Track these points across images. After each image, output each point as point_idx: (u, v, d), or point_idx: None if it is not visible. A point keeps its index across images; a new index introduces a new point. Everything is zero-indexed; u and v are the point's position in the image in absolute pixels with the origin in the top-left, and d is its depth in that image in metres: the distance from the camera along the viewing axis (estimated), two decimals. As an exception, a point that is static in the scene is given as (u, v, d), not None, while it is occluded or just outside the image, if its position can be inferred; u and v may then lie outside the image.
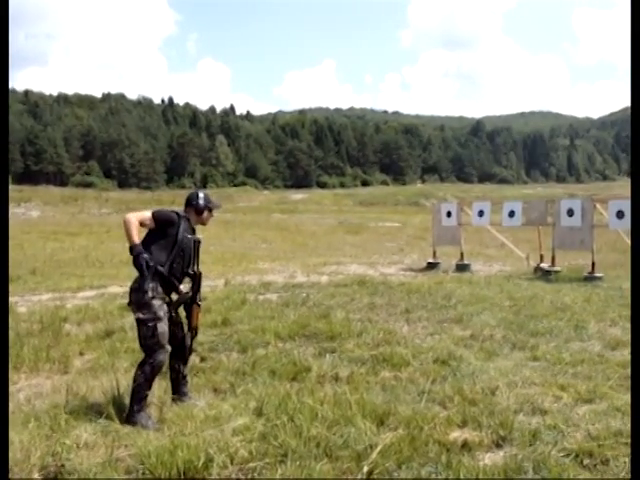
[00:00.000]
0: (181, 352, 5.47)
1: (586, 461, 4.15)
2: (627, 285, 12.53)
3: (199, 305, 5.53)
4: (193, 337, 5.57)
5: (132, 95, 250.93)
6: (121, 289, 12.95)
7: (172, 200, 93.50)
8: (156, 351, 5.09)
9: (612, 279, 13.77)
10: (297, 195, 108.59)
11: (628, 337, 7.85)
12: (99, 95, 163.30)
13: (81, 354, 7.42)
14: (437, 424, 4.70)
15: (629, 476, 3.89)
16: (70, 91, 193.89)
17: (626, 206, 13.74)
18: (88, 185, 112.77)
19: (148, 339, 5.07)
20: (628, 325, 8.65)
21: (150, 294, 5.07)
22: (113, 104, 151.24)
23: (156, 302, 5.11)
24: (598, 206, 14.85)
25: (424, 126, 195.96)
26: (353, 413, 4.84)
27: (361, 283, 12.68)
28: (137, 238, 5.12)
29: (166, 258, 5.19)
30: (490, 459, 4.24)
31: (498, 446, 4.45)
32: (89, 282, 14.29)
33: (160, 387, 5.87)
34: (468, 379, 6.00)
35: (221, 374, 6.38)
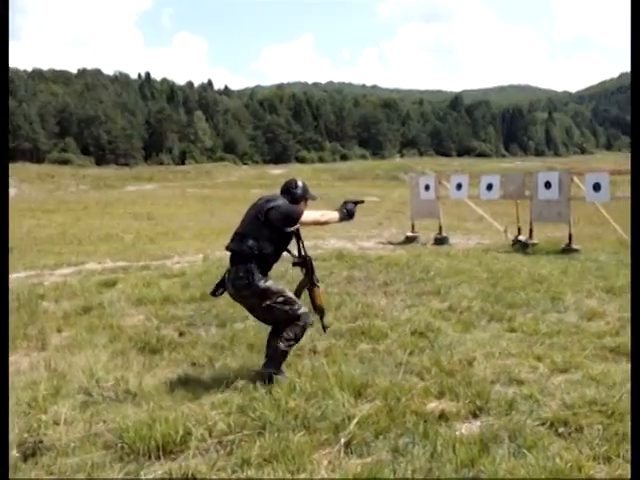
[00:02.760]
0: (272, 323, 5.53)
1: (561, 429, 4.21)
2: (604, 257, 12.68)
3: (318, 286, 5.66)
4: (322, 316, 5.71)
5: (108, 70, 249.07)
6: (99, 265, 12.92)
7: (150, 177, 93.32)
8: (300, 314, 5.30)
9: (589, 251, 13.88)
10: (276, 170, 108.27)
11: (604, 308, 7.99)
12: (74, 71, 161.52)
13: (59, 331, 7.36)
14: (414, 395, 4.75)
15: (605, 445, 3.95)
16: (45, 67, 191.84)
17: (603, 179, 13.84)
18: (65, 162, 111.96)
19: (288, 312, 5.27)
20: (604, 296, 8.78)
21: (261, 281, 5.21)
22: (89, 80, 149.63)
23: (268, 282, 5.27)
24: (575, 179, 14.90)
25: (403, 100, 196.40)
26: (331, 385, 4.88)
27: (340, 257, 12.69)
28: (324, 212, 5.48)
29: (272, 246, 5.29)
30: (467, 429, 4.30)
31: (475, 416, 4.51)
32: (66, 259, 14.18)
33: (138, 362, 5.88)
34: (445, 350, 6.05)
35: (200, 348, 6.38)
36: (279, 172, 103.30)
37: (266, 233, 5.24)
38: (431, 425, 4.25)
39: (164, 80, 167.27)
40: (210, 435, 4.13)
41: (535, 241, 14.98)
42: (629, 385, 4.91)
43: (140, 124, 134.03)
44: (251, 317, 7.44)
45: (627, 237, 15.74)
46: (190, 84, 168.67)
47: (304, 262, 5.60)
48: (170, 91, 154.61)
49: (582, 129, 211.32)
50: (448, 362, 5.61)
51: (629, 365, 5.71)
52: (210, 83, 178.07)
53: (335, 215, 5.49)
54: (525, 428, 4.16)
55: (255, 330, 6.87)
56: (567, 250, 13.88)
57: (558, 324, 7.20)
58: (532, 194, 15.08)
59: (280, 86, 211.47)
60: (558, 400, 4.71)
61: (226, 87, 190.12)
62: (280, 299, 5.25)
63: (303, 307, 5.39)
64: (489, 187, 15.74)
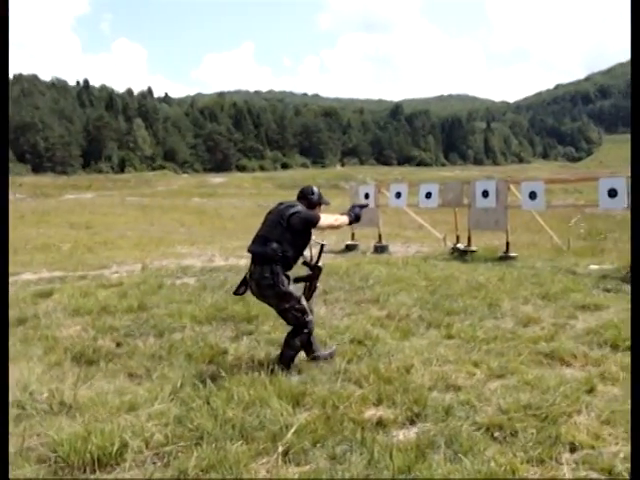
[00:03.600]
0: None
1: (496, 434, 4.29)
2: (540, 264, 12.91)
3: (316, 288, 6.37)
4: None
5: (45, 76, 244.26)
6: (35, 276, 12.66)
7: (89, 185, 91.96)
8: (308, 322, 5.86)
9: (526, 258, 14.11)
10: (216, 179, 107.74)
11: (539, 314, 8.14)
12: (10, 76, 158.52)
13: (-8, 343, 7.21)
14: (352, 403, 4.77)
15: (539, 448, 4.03)
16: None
17: (538, 187, 14.08)
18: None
19: (299, 318, 5.82)
20: (539, 302, 8.95)
21: (285, 285, 5.73)
22: (25, 85, 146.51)
23: (291, 287, 5.82)
24: (512, 187, 15.16)
25: (343, 109, 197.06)
26: (269, 394, 4.89)
27: (280, 266, 12.68)
28: (337, 217, 6.13)
29: (293, 249, 5.81)
30: (404, 435, 4.34)
31: (412, 422, 4.56)
32: (1, 269, 13.86)
33: (74, 374, 5.78)
34: (384, 358, 6.08)
35: (137, 359, 6.30)
36: (220, 181, 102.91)
37: (288, 237, 5.76)
38: (369, 432, 4.28)
39: (103, 87, 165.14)
40: (147, 447, 4.09)
41: (473, 249, 15.18)
42: (562, 389, 5.03)
43: (78, 131, 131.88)
44: (189, 327, 7.47)
45: (562, 244, 16.09)
46: (130, 91, 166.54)
47: (314, 268, 6.27)
48: (109, 98, 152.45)
49: (520, 138, 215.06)
50: (386, 369, 5.64)
51: (563, 369, 5.86)
52: (150, 91, 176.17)
53: (346, 219, 6.13)
54: (461, 433, 4.21)
55: (193, 340, 6.84)
56: (504, 257, 14.09)
57: (495, 330, 7.30)
58: (470, 202, 15.28)
59: (221, 94, 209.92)
60: (494, 405, 4.78)
61: (166, 95, 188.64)
62: (297, 306, 5.80)
63: (311, 315, 5.94)
64: (428, 195, 15.90)
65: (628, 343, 6.50)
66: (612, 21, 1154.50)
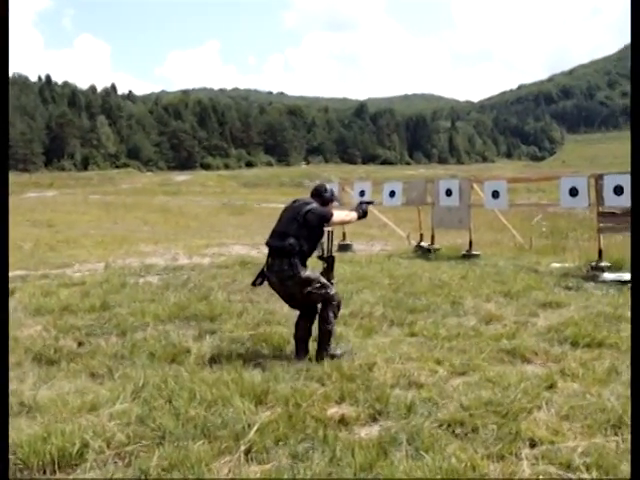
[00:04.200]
0: (311, 313, 6.38)
1: (458, 430, 4.32)
2: (502, 262, 13.03)
3: (332, 283, 6.49)
4: None
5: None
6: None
7: (51, 183, 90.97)
8: (333, 294, 6.27)
9: (488, 257, 14.24)
10: (181, 177, 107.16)
11: (501, 311, 8.23)
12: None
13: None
14: (315, 401, 4.78)
15: (499, 444, 4.07)
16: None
17: (501, 186, 14.21)
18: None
19: (325, 295, 6.21)
20: (502, 300, 9.05)
21: (303, 272, 6.10)
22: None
23: (307, 272, 6.17)
24: (475, 186, 15.28)
25: (308, 107, 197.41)
26: (231, 393, 4.87)
27: (243, 264, 12.65)
28: (347, 212, 6.76)
29: (308, 243, 6.17)
30: (366, 433, 4.35)
31: (374, 420, 4.57)
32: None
33: (34, 374, 5.72)
34: (347, 356, 6.10)
35: (99, 358, 6.22)
36: (184, 179, 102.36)
37: (305, 232, 6.11)
38: (331, 430, 4.28)
39: (65, 84, 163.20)
40: (108, 447, 4.05)
41: (437, 247, 15.29)
42: (523, 385, 5.08)
43: (40, 128, 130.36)
44: (151, 326, 7.41)
45: (524, 242, 16.25)
46: (93, 88, 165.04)
47: (328, 259, 6.53)
48: (72, 95, 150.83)
49: (484, 138, 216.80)
50: (349, 367, 5.66)
51: (524, 366, 5.93)
52: (114, 88, 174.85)
53: (354, 214, 6.65)
54: (423, 430, 4.23)
55: (155, 339, 6.79)
56: (467, 256, 14.20)
57: (457, 328, 7.36)
58: (434, 201, 15.37)
59: (185, 92, 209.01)
60: (456, 402, 4.81)
61: (130, 92, 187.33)
62: (317, 285, 6.15)
63: (334, 288, 6.39)
64: (392, 194, 15.96)
65: (588, 340, 6.63)
66: (574, 24, 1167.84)
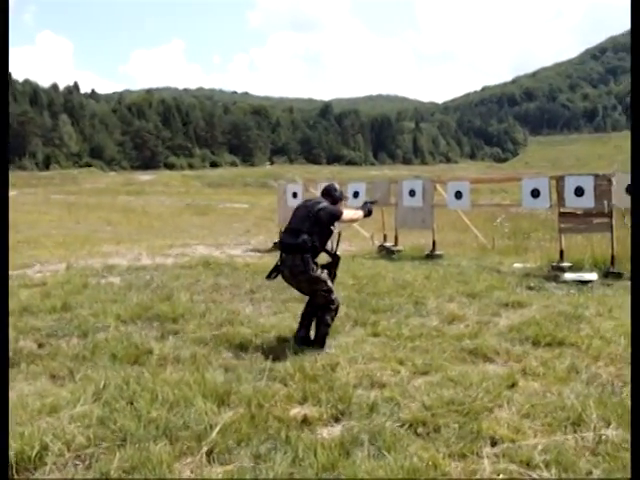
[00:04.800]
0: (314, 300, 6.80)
1: (420, 430, 4.34)
2: (465, 262, 13.12)
3: (334, 277, 6.99)
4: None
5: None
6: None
7: (12, 183, 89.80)
8: (334, 298, 6.71)
9: (451, 257, 14.32)
10: (144, 176, 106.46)
11: (464, 311, 8.28)
12: None
13: None
14: (277, 401, 4.79)
15: (461, 443, 4.09)
16: None
17: (464, 187, 14.30)
18: None
19: (327, 297, 6.64)
20: (464, 300, 9.10)
21: (314, 271, 6.53)
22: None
23: (318, 272, 6.60)
24: (438, 187, 15.37)
25: (273, 107, 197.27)
26: (193, 394, 4.85)
27: (206, 264, 12.59)
28: (355, 211, 7.22)
29: (320, 240, 6.58)
30: (328, 433, 4.35)
31: (337, 420, 4.58)
32: None
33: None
34: (310, 356, 6.10)
35: (59, 360, 6.15)
36: (147, 178, 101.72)
37: (317, 230, 6.52)
38: (293, 430, 4.29)
39: (26, 81, 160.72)
40: (68, 449, 4.01)
41: (400, 247, 15.35)
42: (485, 384, 5.12)
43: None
44: (113, 327, 7.36)
45: (487, 243, 16.37)
46: (55, 86, 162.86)
47: (334, 257, 6.90)
48: (33, 93, 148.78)
49: (447, 139, 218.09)
50: (311, 368, 5.66)
51: (486, 365, 5.97)
52: (76, 86, 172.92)
53: (361, 213, 7.12)
54: (385, 430, 4.24)
55: (117, 340, 6.73)
56: (431, 256, 14.28)
57: (420, 328, 7.39)
58: (397, 201, 15.42)
59: (149, 91, 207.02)
60: (418, 402, 4.83)
61: (93, 91, 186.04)
62: (325, 287, 6.61)
63: (335, 293, 6.80)
64: (356, 195, 15.95)
65: (548, 339, 6.70)
66: (537, 26, 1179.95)
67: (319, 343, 6.57)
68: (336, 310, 6.81)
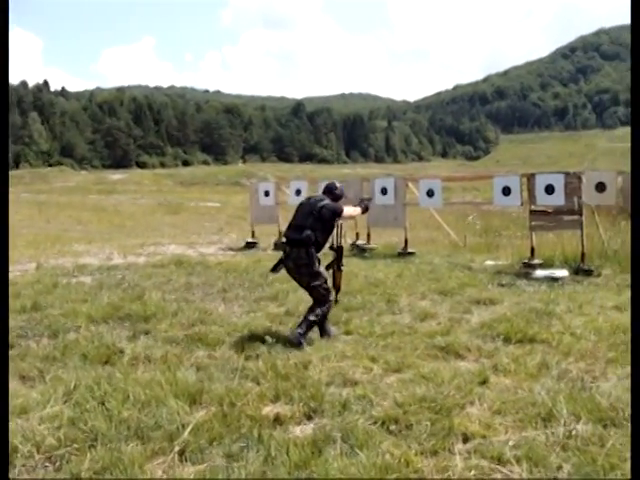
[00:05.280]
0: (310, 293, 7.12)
1: (392, 427, 4.34)
2: (437, 260, 13.17)
3: (342, 270, 7.50)
4: (337, 292, 7.45)
5: None
6: None
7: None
8: (330, 300, 7.02)
9: (424, 255, 14.35)
10: (116, 175, 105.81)
11: (436, 309, 8.32)
12: None
13: None
14: (250, 400, 4.77)
15: (433, 439, 4.11)
16: None
17: (435, 185, 14.35)
18: None
19: (325, 295, 6.95)
20: (436, 297, 9.15)
21: (317, 266, 6.94)
22: None
23: (320, 268, 7.01)
24: (410, 185, 15.41)
25: (245, 106, 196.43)
26: (165, 393, 4.82)
27: (178, 263, 12.54)
28: (354, 208, 7.62)
29: (323, 235, 7.00)
30: (301, 431, 4.35)
31: (309, 418, 4.58)
32: None
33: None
34: (282, 355, 6.09)
35: (29, 361, 6.09)
36: (119, 177, 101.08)
37: (319, 226, 6.91)
38: (266, 429, 4.28)
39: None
40: (38, 451, 3.97)
41: (373, 246, 15.38)
42: (456, 381, 5.15)
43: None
44: (84, 327, 7.30)
45: (459, 240, 16.46)
46: (24, 84, 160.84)
47: (338, 249, 7.39)
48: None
49: (420, 137, 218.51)
50: (284, 366, 5.66)
51: (458, 362, 6.00)
52: (46, 84, 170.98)
53: (359, 209, 7.67)
54: (357, 428, 4.25)
55: (88, 340, 6.68)
56: (403, 254, 14.30)
57: (392, 326, 7.42)
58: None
59: (120, 89, 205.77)
60: (390, 399, 4.84)
61: (63, 88, 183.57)
62: (324, 285, 6.95)
63: (332, 295, 7.12)
64: (328, 193, 15.96)
65: (519, 336, 6.74)
66: (508, 25, 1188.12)
67: (304, 329, 6.72)
68: (328, 309, 7.03)
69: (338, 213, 7.04)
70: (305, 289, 7.18)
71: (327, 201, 7.10)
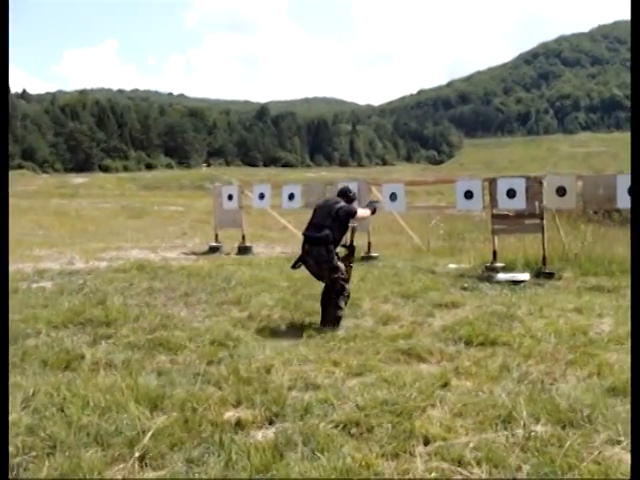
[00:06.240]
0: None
1: (353, 430, 4.36)
2: (400, 264, 13.22)
3: (351, 267, 8.22)
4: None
5: None
6: None
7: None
8: (347, 288, 7.85)
9: (387, 258, 14.41)
10: (78, 179, 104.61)
11: (398, 312, 8.37)
12: None
13: None
14: (211, 405, 4.75)
15: (394, 442, 4.13)
16: None
17: (399, 189, 14.41)
18: None
19: (343, 286, 7.73)
20: (399, 301, 9.19)
21: (335, 261, 7.70)
22: None
23: (338, 262, 7.76)
24: (374, 189, 15.45)
25: (209, 109, 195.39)
26: (126, 399, 4.78)
27: (141, 268, 12.43)
28: (364, 210, 8.44)
29: (339, 234, 7.80)
30: (262, 435, 4.35)
31: (271, 422, 4.58)
32: None
33: None
34: (244, 359, 6.08)
35: (-13, 367, 6.03)
36: (81, 181, 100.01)
37: (336, 225, 7.72)
38: (227, 434, 4.27)
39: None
40: (-5, 459, 3.92)
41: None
42: (418, 384, 5.18)
43: None
44: (44, 332, 7.20)
45: (422, 244, 16.54)
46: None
47: (350, 247, 8.16)
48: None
49: (384, 141, 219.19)
50: (246, 370, 5.65)
51: (420, 365, 6.03)
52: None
53: (369, 211, 8.51)
54: (319, 431, 4.26)
55: (48, 346, 6.60)
56: (366, 258, 14.33)
57: (355, 329, 7.44)
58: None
59: (83, 92, 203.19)
60: (352, 402, 4.86)
61: (24, 91, 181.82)
62: (342, 276, 7.72)
63: (349, 284, 7.99)
64: (291, 197, 15.95)
65: (481, 338, 6.80)
66: (472, 31, 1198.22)
67: (334, 323, 7.56)
68: (348, 296, 7.90)
69: (353, 214, 7.87)
70: (325, 282, 7.83)
71: (343, 203, 7.91)
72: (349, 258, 8.10)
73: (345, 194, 8.24)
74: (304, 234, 7.94)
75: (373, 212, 8.62)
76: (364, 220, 9.68)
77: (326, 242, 7.61)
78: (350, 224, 8.02)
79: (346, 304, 7.84)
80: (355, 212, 7.93)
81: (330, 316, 7.64)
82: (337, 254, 7.77)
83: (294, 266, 8.03)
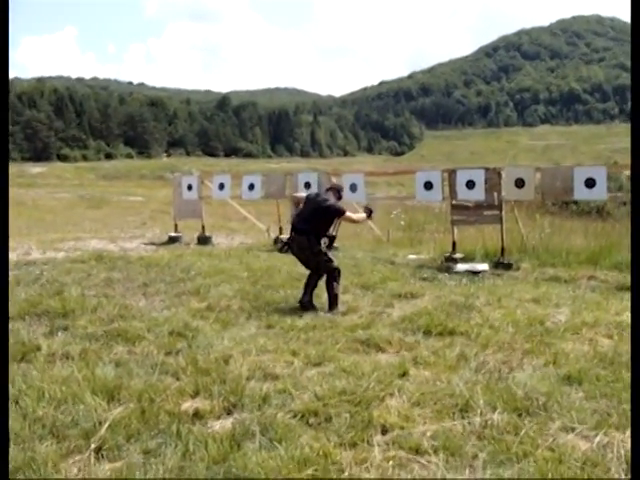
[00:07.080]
0: (319, 273, 8.47)
1: (311, 420, 4.38)
2: (360, 255, 13.25)
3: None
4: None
5: None
6: None
7: None
8: (335, 267, 8.37)
9: (347, 249, 14.42)
10: (36, 169, 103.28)
11: (357, 303, 8.42)
12: None
13: None
14: (169, 396, 4.74)
15: (352, 432, 4.14)
16: None
17: (359, 180, 14.44)
18: None
19: (330, 266, 8.32)
20: (359, 291, 9.23)
21: (317, 247, 8.26)
22: None
23: (321, 247, 8.29)
24: (333, 179, 15.46)
25: (170, 99, 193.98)
26: (82, 390, 4.74)
27: (99, 258, 12.29)
28: (358, 215, 9.10)
29: (324, 227, 8.34)
30: (220, 426, 4.34)
31: (229, 413, 4.57)
32: None
33: None
34: (203, 350, 6.05)
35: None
36: (39, 171, 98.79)
37: (322, 219, 8.32)
38: (184, 424, 4.26)
39: None
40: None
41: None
42: (377, 374, 5.20)
43: None
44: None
45: (382, 235, 16.59)
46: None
47: (330, 237, 8.46)
48: None
49: (345, 132, 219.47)
50: (204, 361, 5.62)
51: (378, 355, 6.06)
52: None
53: (364, 215, 9.04)
54: (277, 421, 4.27)
55: (15, 338, 6.50)
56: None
57: (314, 319, 7.43)
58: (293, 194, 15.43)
59: (40, 80, 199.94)
60: (310, 392, 4.86)
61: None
62: (326, 257, 8.32)
63: (336, 261, 8.53)
64: (251, 187, 15.90)
65: (440, 328, 6.86)
66: (434, 24, 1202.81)
67: (334, 304, 8.14)
68: (339, 273, 8.38)
69: (340, 214, 8.42)
70: (313, 268, 8.46)
71: (332, 201, 8.47)
72: (330, 245, 8.54)
73: (338, 191, 8.83)
74: (292, 223, 8.74)
75: (369, 215, 9.05)
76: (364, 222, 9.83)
77: (308, 233, 8.22)
78: (337, 220, 8.55)
79: (339, 282, 8.35)
80: (343, 212, 8.42)
81: (331, 298, 8.20)
82: (324, 243, 8.31)
83: (280, 250, 9.21)
